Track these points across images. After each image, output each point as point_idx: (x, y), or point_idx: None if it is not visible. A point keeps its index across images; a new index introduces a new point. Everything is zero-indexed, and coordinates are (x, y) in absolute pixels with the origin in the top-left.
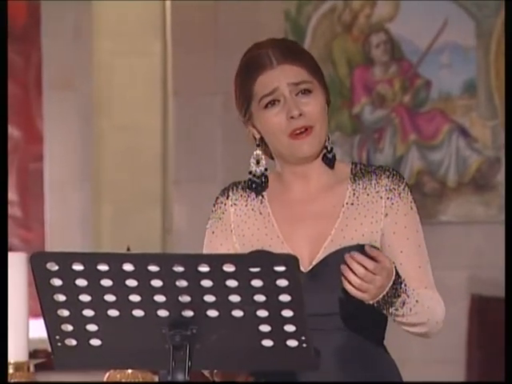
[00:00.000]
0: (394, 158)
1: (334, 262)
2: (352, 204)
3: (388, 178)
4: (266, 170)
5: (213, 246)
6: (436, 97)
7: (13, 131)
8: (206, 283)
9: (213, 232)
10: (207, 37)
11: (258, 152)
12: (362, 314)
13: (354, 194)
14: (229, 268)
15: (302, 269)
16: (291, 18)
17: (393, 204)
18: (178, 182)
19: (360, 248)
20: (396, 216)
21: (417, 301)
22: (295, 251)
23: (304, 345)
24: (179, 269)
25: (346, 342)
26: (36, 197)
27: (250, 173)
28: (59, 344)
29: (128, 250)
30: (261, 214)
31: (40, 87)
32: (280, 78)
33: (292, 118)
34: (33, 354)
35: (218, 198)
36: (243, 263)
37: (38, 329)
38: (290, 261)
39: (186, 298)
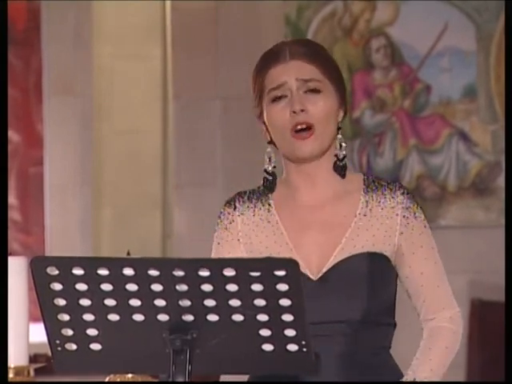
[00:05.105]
0: (395, 162)
1: (344, 270)
2: (365, 215)
3: (403, 194)
4: (274, 167)
5: (220, 256)
6: (436, 101)
7: (13, 135)
8: (207, 287)
9: (218, 243)
10: (207, 41)
11: (269, 149)
12: (371, 322)
13: (366, 205)
14: (229, 272)
15: (311, 276)
16: (291, 22)
17: (408, 224)
18: (178, 187)
19: (369, 256)
20: (412, 236)
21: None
22: (304, 258)
23: (304, 349)
24: (179, 273)
25: (352, 348)
26: (36, 201)
27: (265, 170)
28: (59, 348)
29: (128, 254)
30: (269, 222)
31: (40, 91)
32: (290, 72)
33: (294, 112)
34: (33, 359)
35: (223, 208)
36: (243, 267)
37: (38, 333)
38: (291, 265)
39: (186, 303)
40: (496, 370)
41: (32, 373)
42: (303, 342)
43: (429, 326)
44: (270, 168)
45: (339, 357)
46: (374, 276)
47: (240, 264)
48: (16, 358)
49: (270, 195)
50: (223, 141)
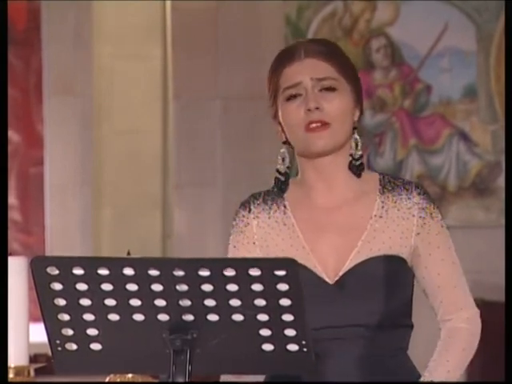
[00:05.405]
0: (395, 162)
1: (360, 273)
2: (381, 217)
3: (419, 195)
4: (288, 168)
5: None
6: (436, 101)
7: (13, 135)
8: (207, 287)
9: (234, 246)
10: (208, 41)
11: (283, 150)
12: (388, 325)
13: (382, 206)
14: (229, 272)
15: (327, 280)
16: (292, 23)
17: (425, 224)
18: (178, 187)
19: (386, 259)
20: (428, 236)
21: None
22: (321, 262)
23: (304, 349)
24: (180, 273)
25: (370, 350)
26: (36, 201)
27: (277, 170)
28: (59, 348)
29: (128, 254)
30: (285, 225)
31: (40, 92)
32: (304, 71)
33: (309, 110)
34: (33, 359)
35: (238, 211)
36: (243, 267)
37: (38, 333)
38: (291, 265)
39: (186, 303)
40: (496, 370)
41: (32, 373)
42: (303, 342)
43: (446, 327)
44: (282, 168)
45: (357, 359)
46: (391, 279)
47: (240, 264)
48: (16, 358)
49: (284, 196)
50: (223, 141)
